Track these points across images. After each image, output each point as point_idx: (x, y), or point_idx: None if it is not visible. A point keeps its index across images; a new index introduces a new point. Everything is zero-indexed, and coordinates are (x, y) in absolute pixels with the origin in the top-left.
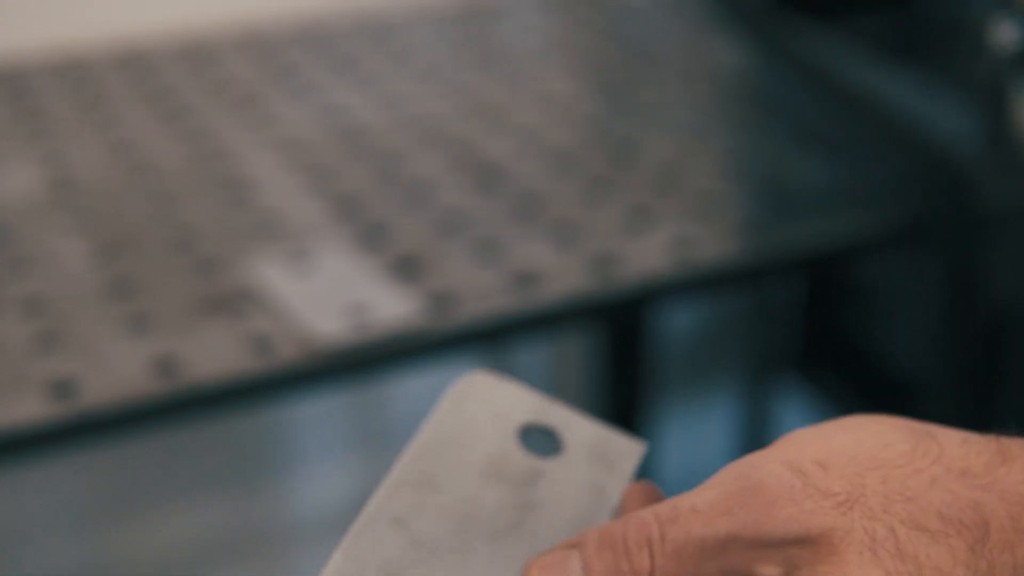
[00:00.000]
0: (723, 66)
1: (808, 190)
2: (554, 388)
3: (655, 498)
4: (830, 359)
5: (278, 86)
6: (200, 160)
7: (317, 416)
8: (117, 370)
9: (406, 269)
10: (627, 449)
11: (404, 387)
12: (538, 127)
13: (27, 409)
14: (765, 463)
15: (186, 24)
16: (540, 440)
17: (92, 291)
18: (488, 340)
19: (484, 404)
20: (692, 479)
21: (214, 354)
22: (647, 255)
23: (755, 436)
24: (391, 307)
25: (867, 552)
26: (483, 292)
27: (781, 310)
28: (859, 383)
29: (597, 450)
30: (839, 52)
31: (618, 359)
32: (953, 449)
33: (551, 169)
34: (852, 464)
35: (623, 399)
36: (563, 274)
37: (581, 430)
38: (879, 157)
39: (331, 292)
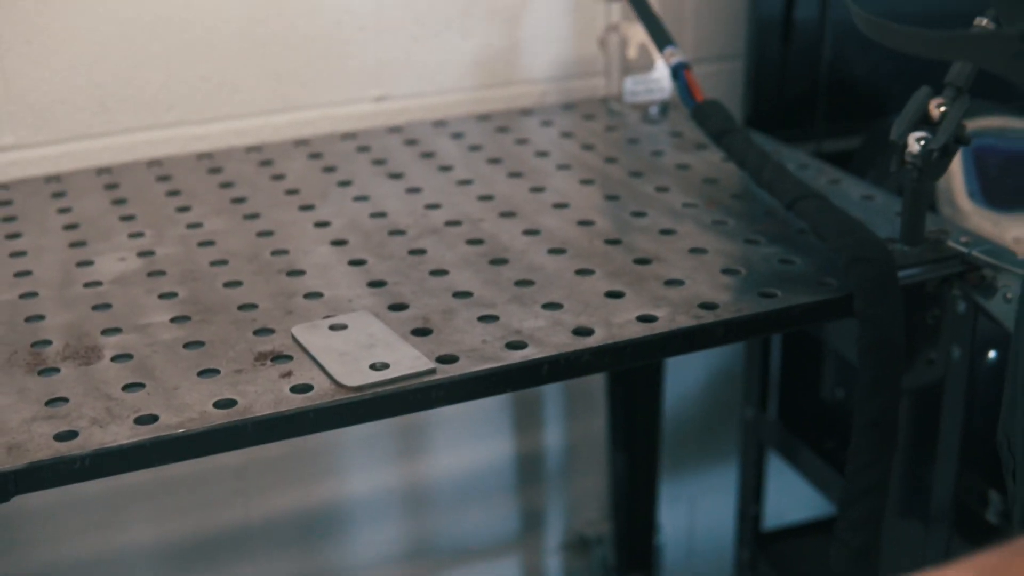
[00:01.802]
0: (701, 177)
1: (766, 273)
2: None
3: None
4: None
5: (324, 181)
6: (258, 243)
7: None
8: (189, 406)
9: (421, 332)
10: None
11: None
12: (545, 226)
13: (119, 434)
14: None
15: (252, 129)
16: None
17: (171, 346)
18: (484, 390)
19: None
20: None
21: (265, 397)
22: (620, 328)
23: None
24: (407, 362)
25: None
26: (482, 352)
27: (755, 379)
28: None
29: None
30: (802, 164)
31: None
32: None
33: (549, 258)
34: None
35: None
36: (548, 338)
37: None
38: (823, 249)
39: (359, 349)
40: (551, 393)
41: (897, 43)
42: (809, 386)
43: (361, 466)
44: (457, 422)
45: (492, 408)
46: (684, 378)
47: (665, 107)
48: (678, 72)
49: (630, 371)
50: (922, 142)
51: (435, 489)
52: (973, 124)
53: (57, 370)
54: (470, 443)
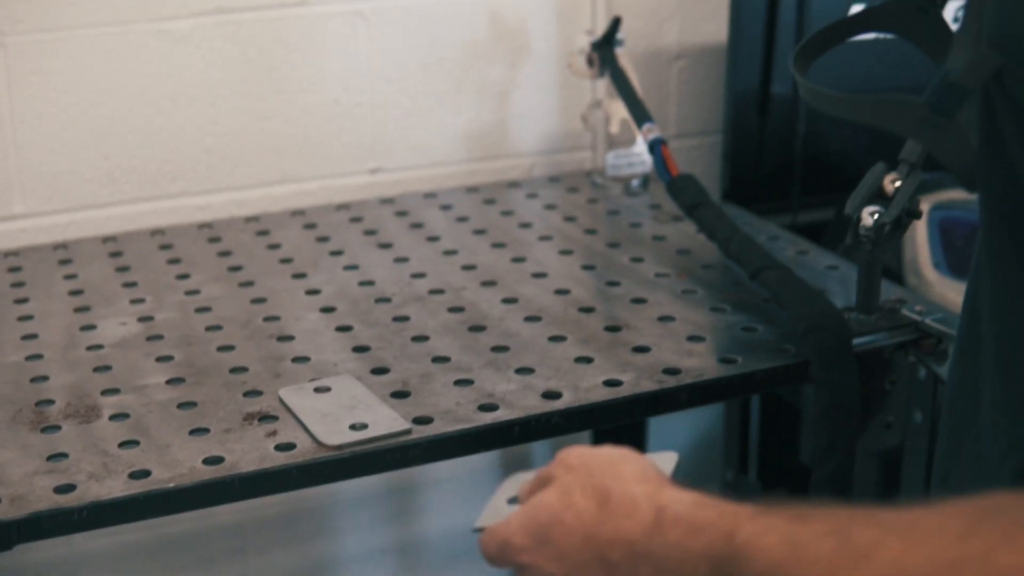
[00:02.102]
0: (676, 248)
1: (729, 340)
2: None
3: None
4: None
5: (317, 250)
6: (252, 310)
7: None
8: (180, 463)
9: (399, 395)
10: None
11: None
12: (523, 295)
13: (114, 488)
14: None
15: (252, 200)
16: None
17: (166, 406)
18: (457, 450)
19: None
20: None
21: (250, 454)
22: (588, 392)
23: None
24: (385, 423)
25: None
26: (455, 414)
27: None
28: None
29: None
30: (773, 235)
31: None
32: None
33: (525, 325)
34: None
35: None
36: (519, 401)
37: None
38: (787, 318)
39: (341, 410)
40: (540, 454)
41: (827, 107)
42: (788, 450)
43: (356, 526)
44: (449, 482)
45: (482, 467)
46: (667, 440)
47: (646, 180)
48: (655, 147)
49: (614, 432)
50: (875, 216)
51: (428, 548)
52: (939, 197)
53: (59, 427)
54: (462, 503)
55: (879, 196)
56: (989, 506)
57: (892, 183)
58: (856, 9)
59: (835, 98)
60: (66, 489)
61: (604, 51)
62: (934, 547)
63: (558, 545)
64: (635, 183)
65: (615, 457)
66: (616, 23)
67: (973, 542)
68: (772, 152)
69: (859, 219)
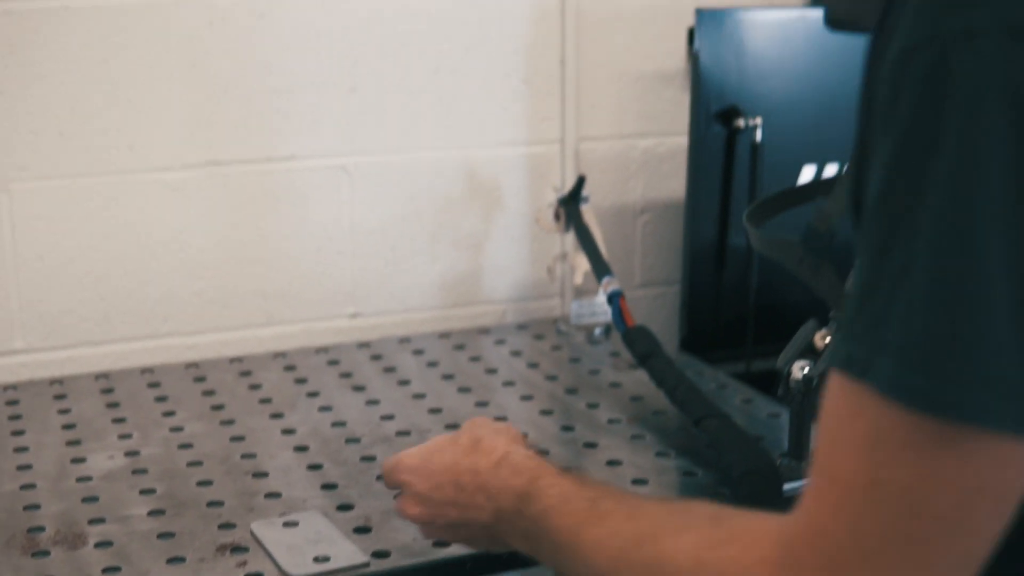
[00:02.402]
0: (629, 395)
1: (670, 484)
2: None
3: None
4: None
5: (295, 392)
6: (231, 447)
7: None
8: None
9: (362, 530)
10: None
11: None
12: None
13: None
14: None
15: (237, 341)
16: None
17: (147, 535)
18: None
19: None
20: None
21: None
22: None
23: None
24: (346, 556)
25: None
26: (411, 549)
27: None
28: None
29: None
30: (722, 384)
31: None
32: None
33: None
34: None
35: None
36: None
37: None
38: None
39: (307, 544)
40: None
41: (756, 246)
42: None
43: None
44: None
45: None
46: None
47: (608, 329)
48: (613, 299)
49: None
50: (804, 370)
51: None
52: None
53: (48, 553)
54: None
55: (810, 351)
56: (690, 506)
57: (822, 339)
58: (805, 177)
59: (759, 237)
60: None
61: (570, 207)
62: (640, 523)
63: (430, 468)
64: (597, 331)
65: (502, 426)
66: (581, 182)
67: (661, 523)
68: (728, 303)
69: (790, 373)
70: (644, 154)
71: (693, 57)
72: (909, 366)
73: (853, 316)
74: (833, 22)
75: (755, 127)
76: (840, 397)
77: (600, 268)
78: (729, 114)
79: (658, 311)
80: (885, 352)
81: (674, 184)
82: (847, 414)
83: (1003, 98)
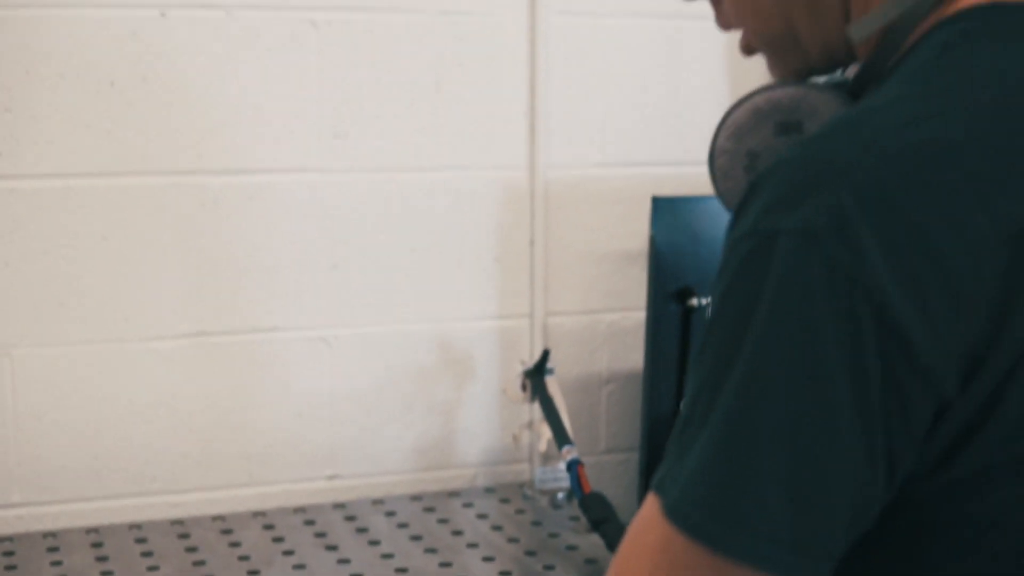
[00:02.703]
0: (584, 558)
1: None
2: None
3: None
4: None
5: (272, 550)
6: None
7: None
8: None
9: None
10: None
11: None
12: None
13: None
14: None
15: (221, 500)
16: None
17: None
18: None
19: None
20: None
21: None
22: None
23: None
24: None
25: None
26: None
27: None
28: None
29: None
30: None
31: None
32: None
33: None
34: None
35: None
36: None
37: None
38: None
39: None
40: None
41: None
42: None
43: None
44: None
45: None
46: None
47: (570, 494)
48: (572, 467)
49: None
50: None
51: None
52: None
53: None
54: None
55: None
56: None
57: None
58: None
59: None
60: None
61: (535, 379)
62: None
63: None
64: (560, 496)
65: None
66: (546, 355)
67: None
68: None
69: None
70: (609, 327)
71: (650, 240)
72: (692, 498)
73: (672, 440)
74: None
75: (708, 306)
76: (647, 506)
77: (561, 437)
78: (684, 293)
79: (622, 476)
80: (678, 479)
81: (637, 356)
82: (646, 523)
83: (801, 289)
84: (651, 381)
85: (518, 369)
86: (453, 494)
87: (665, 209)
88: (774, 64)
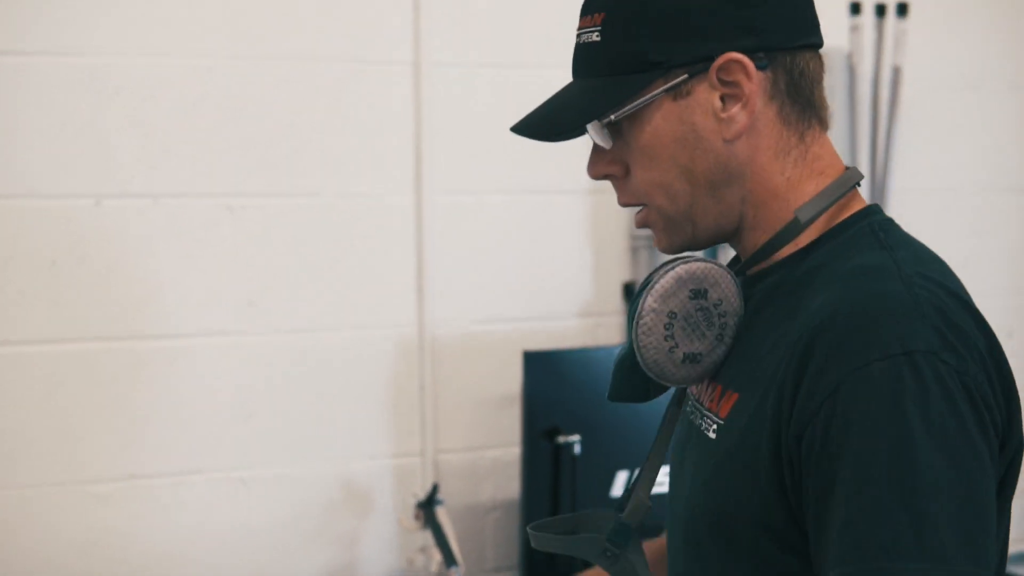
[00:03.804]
0: None
1: None
2: None
3: None
4: None
5: None
6: None
7: None
8: None
9: None
10: None
11: None
12: None
13: None
14: None
15: None
16: None
17: None
18: None
19: None
20: None
21: None
22: None
23: None
24: None
25: None
26: None
27: None
28: None
29: None
30: None
31: None
32: None
33: None
34: None
35: None
36: None
37: None
38: None
39: None
40: None
41: (544, 546)
42: None
43: None
44: None
45: None
46: None
47: None
48: None
49: None
50: None
51: None
52: None
53: None
54: None
55: None
56: None
57: None
58: (620, 480)
59: (547, 538)
60: None
61: (427, 510)
62: None
63: None
64: None
65: None
66: (435, 488)
67: None
68: None
69: None
70: (491, 462)
71: (522, 388)
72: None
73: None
74: (610, 399)
75: (574, 443)
76: None
77: (449, 559)
78: (552, 432)
79: None
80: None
81: (517, 486)
82: None
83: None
84: (527, 508)
85: (411, 501)
86: None
87: (534, 360)
88: (664, 236)
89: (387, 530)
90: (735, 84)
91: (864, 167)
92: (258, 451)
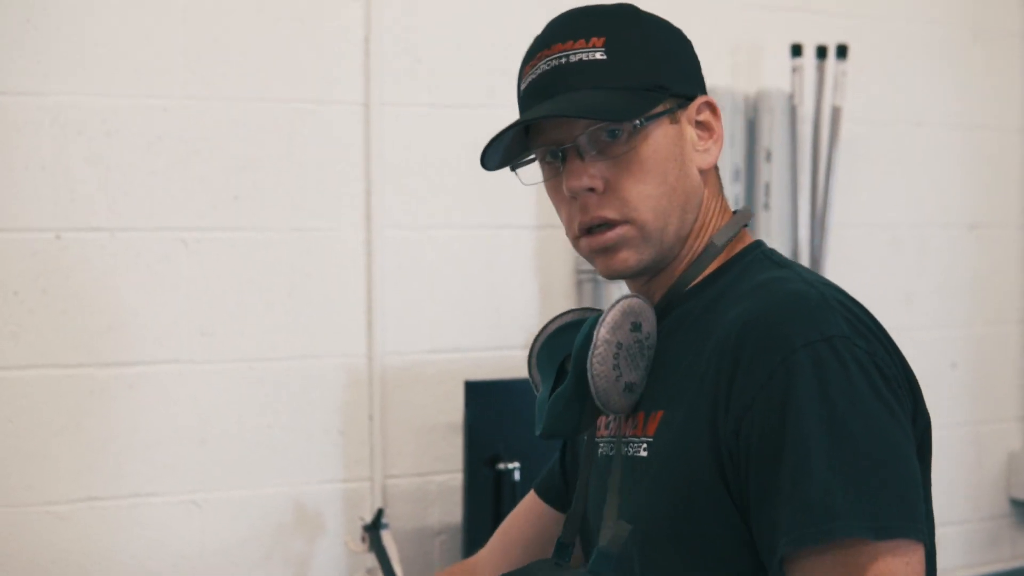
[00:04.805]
0: None
1: None
2: None
3: None
4: None
5: None
6: None
7: None
8: None
9: None
10: None
11: None
12: None
13: None
14: None
15: None
16: None
17: None
18: None
19: None
20: None
21: None
22: None
23: None
24: None
25: None
26: None
27: None
28: None
29: None
30: None
31: None
32: None
33: None
34: None
35: None
36: None
37: None
38: None
39: None
40: None
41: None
42: None
43: None
44: None
45: None
46: None
47: None
48: None
49: None
50: None
51: None
52: None
53: None
54: None
55: None
56: None
57: None
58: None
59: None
60: None
61: (372, 533)
62: None
63: None
64: None
65: None
66: (379, 513)
67: None
68: None
69: None
70: (439, 487)
71: (464, 417)
72: (898, 514)
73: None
74: (544, 435)
75: (514, 469)
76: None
77: None
78: (493, 459)
79: None
80: (862, 515)
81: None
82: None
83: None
84: (469, 533)
85: (358, 524)
86: None
87: (475, 390)
88: (634, 254)
89: (336, 552)
90: (705, 124)
91: (805, 203)
92: (211, 475)
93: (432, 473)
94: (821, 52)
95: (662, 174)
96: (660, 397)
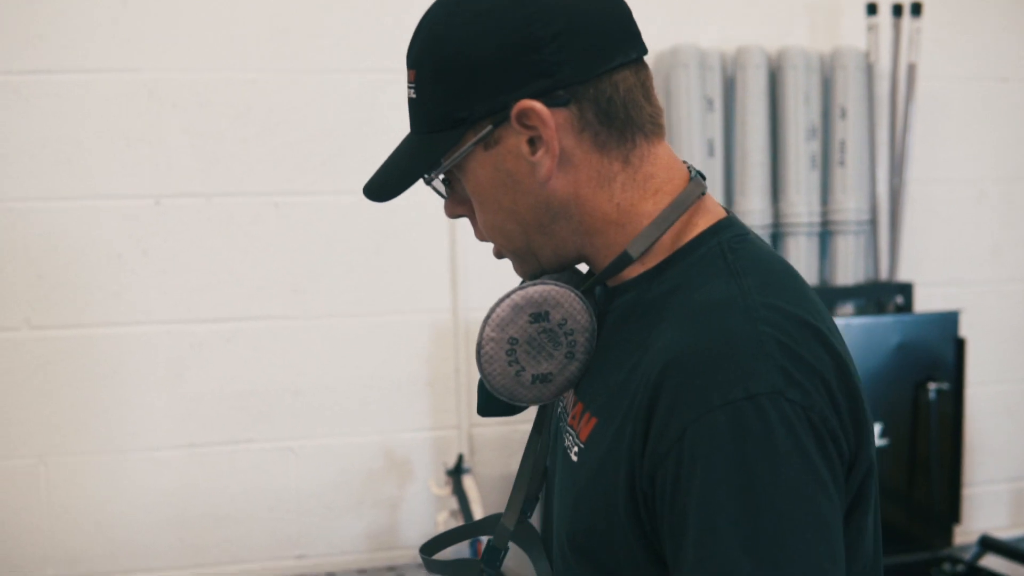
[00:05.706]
0: None
1: None
2: None
3: None
4: None
5: None
6: None
7: None
8: None
9: None
10: None
11: None
12: None
13: None
14: None
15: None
16: None
17: None
18: None
19: None
20: None
21: None
22: None
23: None
24: None
25: None
26: None
27: None
28: None
29: None
30: None
31: None
32: None
33: None
34: None
35: None
36: None
37: None
38: None
39: None
40: None
41: (437, 570)
42: None
43: None
44: None
45: None
46: None
47: None
48: (472, 544)
49: None
50: None
51: None
52: None
53: None
54: None
55: None
56: None
57: None
58: None
59: (432, 562)
60: None
61: (455, 477)
62: None
63: None
64: None
65: None
66: (460, 458)
67: None
68: None
69: None
70: (523, 436)
71: None
72: None
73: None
74: (481, 413)
75: None
76: None
77: (467, 521)
78: None
79: None
80: None
81: None
82: None
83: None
84: None
85: (442, 470)
86: (392, 568)
87: None
88: (517, 266)
89: (424, 496)
90: (535, 128)
91: (884, 159)
92: (306, 424)
93: (516, 422)
94: (897, 10)
95: (495, 202)
96: (597, 400)
